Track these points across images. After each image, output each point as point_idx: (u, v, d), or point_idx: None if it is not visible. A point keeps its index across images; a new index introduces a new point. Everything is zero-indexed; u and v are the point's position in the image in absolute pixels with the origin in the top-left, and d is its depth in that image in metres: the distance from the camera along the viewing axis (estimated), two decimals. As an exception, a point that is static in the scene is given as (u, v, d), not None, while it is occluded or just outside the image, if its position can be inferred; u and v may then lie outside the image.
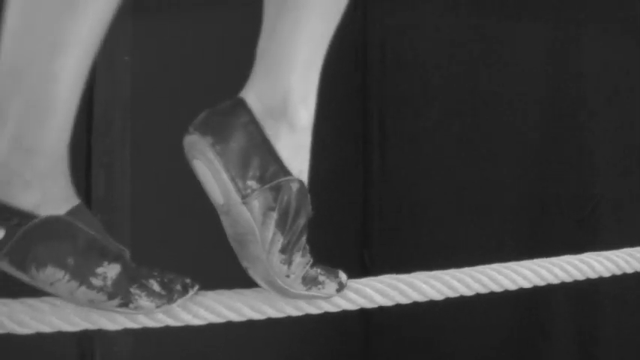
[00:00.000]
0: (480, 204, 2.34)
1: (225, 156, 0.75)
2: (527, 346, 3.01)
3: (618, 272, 1.03)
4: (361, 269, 2.37)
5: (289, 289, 0.79)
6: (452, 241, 2.35)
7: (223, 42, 1.87)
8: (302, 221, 0.79)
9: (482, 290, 0.91)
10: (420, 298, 0.88)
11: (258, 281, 0.80)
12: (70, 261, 0.73)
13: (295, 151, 0.79)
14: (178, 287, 0.77)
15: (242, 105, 0.78)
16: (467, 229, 2.31)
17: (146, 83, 1.70)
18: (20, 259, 0.72)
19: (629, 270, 1.04)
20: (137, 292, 0.75)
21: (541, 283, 0.96)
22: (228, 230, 0.78)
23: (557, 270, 0.97)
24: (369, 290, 0.85)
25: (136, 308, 0.75)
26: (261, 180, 0.76)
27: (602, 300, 2.64)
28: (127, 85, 1.66)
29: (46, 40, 0.71)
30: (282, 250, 0.77)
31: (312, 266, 0.81)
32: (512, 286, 0.94)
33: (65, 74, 0.72)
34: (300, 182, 0.79)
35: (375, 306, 0.86)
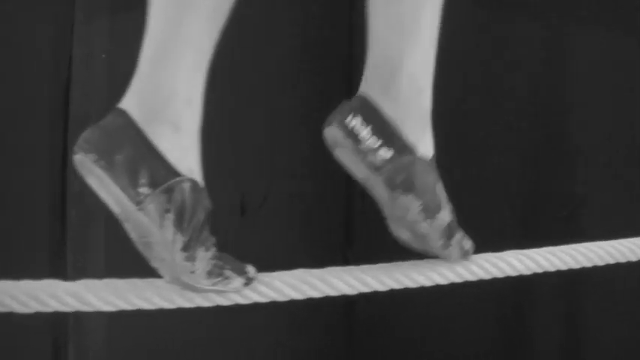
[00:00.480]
0: (464, 202, 2.35)
1: (112, 169, 0.78)
2: (512, 338, 3.03)
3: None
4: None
5: (195, 285, 0.82)
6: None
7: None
8: (200, 217, 0.82)
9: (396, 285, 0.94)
10: (332, 292, 0.91)
11: (168, 280, 0.84)
12: (427, 198, 0.89)
13: (183, 152, 0.81)
14: (470, 245, 0.97)
15: (122, 116, 0.80)
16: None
17: (123, 81, 1.74)
18: (393, 180, 0.88)
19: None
20: (453, 242, 0.94)
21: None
22: (133, 236, 0.82)
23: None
24: (278, 283, 0.88)
25: (447, 255, 0.95)
26: (153, 185, 0.79)
27: (587, 290, 2.66)
28: (104, 82, 1.70)
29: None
30: (184, 248, 0.80)
31: (218, 260, 0.84)
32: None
33: (432, 17, 0.89)
34: (192, 181, 0.81)
35: (286, 299, 0.89)
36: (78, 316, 1.76)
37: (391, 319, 2.78)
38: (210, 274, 0.83)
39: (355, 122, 0.88)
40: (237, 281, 0.85)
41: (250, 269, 0.87)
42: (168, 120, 0.80)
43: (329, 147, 0.91)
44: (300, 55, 2.29)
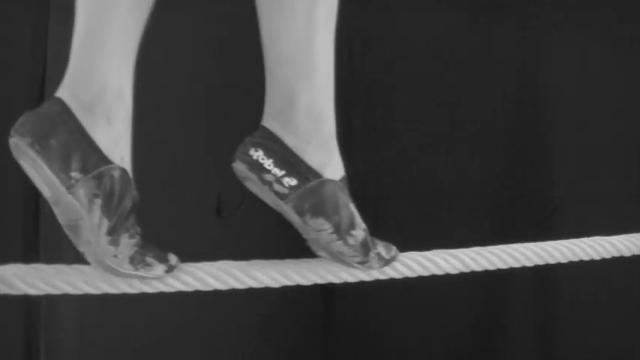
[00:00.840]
0: (442, 205, 2.38)
1: (46, 153, 0.83)
2: (486, 331, 3.06)
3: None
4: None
5: (118, 269, 0.86)
6: (412, 241, 2.39)
7: (170, 39, 1.95)
8: (128, 205, 0.86)
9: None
10: (255, 284, 0.95)
11: (92, 263, 0.88)
12: (336, 218, 0.93)
13: (115, 141, 0.86)
14: (393, 252, 1.00)
15: (59, 103, 0.85)
16: (428, 229, 2.34)
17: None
18: (301, 206, 0.92)
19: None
20: (372, 254, 0.96)
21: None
22: (62, 219, 0.87)
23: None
24: (201, 273, 0.92)
25: (368, 267, 0.97)
26: (84, 170, 0.84)
27: (560, 286, 2.68)
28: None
29: (306, 30, 0.90)
30: (109, 232, 0.85)
31: (141, 247, 0.88)
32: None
33: (324, 52, 0.92)
34: (122, 169, 0.86)
35: (210, 289, 0.93)
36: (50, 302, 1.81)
37: (368, 316, 2.82)
38: (132, 259, 0.87)
39: (258, 154, 0.92)
40: (159, 268, 0.89)
41: (172, 258, 0.90)
42: (101, 112, 0.85)
43: (240, 180, 0.95)
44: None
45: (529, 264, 1.10)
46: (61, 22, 1.70)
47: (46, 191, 0.86)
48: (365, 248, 0.96)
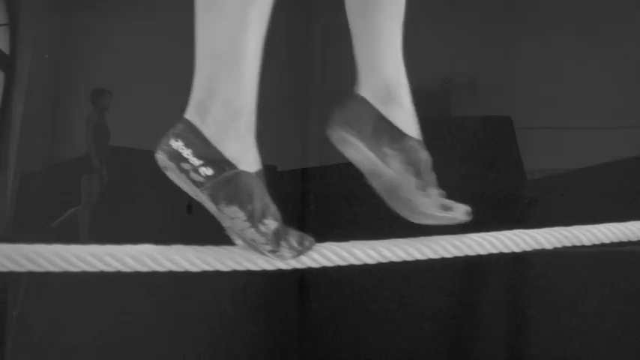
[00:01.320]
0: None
1: (366, 140, 1.09)
2: (455, 322, 3.10)
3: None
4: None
5: (431, 213, 1.10)
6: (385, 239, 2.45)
7: (150, 40, 2.02)
8: (427, 164, 1.11)
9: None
10: (174, 268, 1.01)
11: (406, 215, 1.11)
12: (250, 207, 0.99)
13: (407, 120, 1.11)
14: (306, 243, 1.04)
15: (363, 100, 1.09)
16: (399, 228, 2.39)
17: (64, 78, 1.87)
18: (216, 194, 0.98)
19: (549, 246, 1.20)
20: (283, 244, 1.01)
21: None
22: (377, 186, 1.11)
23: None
24: (121, 254, 0.98)
25: (279, 256, 1.02)
26: (392, 147, 1.09)
27: (529, 272, 2.72)
28: (45, 80, 1.82)
29: (236, 28, 0.96)
30: (420, 188, 1.10)
31: (443, 197, 1.11)
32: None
33: (250, 51, 0.98)
34: (417, 140, 1.11)
35: (130, 270, 0.99)
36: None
37: (342, 313, 2.86)
38: (441, 205, 1.11)
39: (178, 144, 0.98)
40: (460, 209, 1.12)
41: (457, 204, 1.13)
42: (394, 101, 1.10)
43: (162, 170, 1.00)
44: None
45: (447, 256, 1.15)
46: (31, 22, 1.76)
47: (367, 168, 1.10)
48: (277, 237, 1.01)
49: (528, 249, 1.21)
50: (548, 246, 1.20)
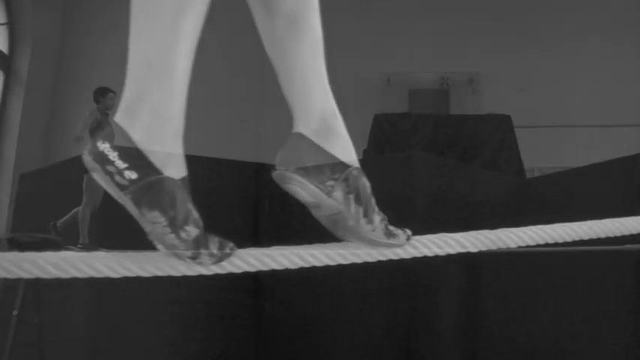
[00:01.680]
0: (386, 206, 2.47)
1: (308, 175, 1.11)
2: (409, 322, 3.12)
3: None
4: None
5: (378, 240, 1.13)
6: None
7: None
8: (368, 190, 1.13)
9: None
10: (94, 274, 1.04)
11: (356, 242, 1.13)
12: (171, 213, 1.00)
13: (345, 149, 1.13)
14: (227, 250, 1.05)
15: (301, 137, 1.11)
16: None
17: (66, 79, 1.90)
18: (139, 198, 0.99)
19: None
20: (203, 251, 1.02)
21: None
22: (322, 218, 1.14)
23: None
24: (42, 262, 1.02)
25: (199, 262, 1.03)
26: (334, 178, 1.11)
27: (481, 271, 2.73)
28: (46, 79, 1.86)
29: (169, 36, 0.99)
30: (364, 215, 1.12)
31: (386, 221, 1.14)
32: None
33: (181, 59, 1.00)
34: (357, 168, 1.13)
35: (51, 277, 1.02)
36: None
37: (295, 314, 2.88)
38: (385, 232, 1.14)
39: (104, 147, 1.00)
40: (402, 237, 1.15)
41: (406, 230, 1.17)
42: (330, 132, 1.13)
43: (89, 171, 1.02)
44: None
45: (370, 260, 1.17)
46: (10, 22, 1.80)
47: (310, 200, 1.12)
48: (197, 244, 1.02)
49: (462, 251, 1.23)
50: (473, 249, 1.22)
